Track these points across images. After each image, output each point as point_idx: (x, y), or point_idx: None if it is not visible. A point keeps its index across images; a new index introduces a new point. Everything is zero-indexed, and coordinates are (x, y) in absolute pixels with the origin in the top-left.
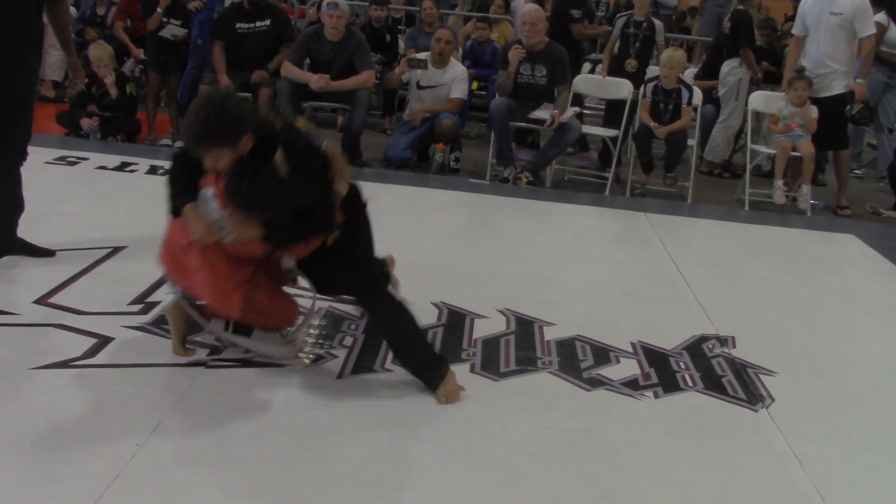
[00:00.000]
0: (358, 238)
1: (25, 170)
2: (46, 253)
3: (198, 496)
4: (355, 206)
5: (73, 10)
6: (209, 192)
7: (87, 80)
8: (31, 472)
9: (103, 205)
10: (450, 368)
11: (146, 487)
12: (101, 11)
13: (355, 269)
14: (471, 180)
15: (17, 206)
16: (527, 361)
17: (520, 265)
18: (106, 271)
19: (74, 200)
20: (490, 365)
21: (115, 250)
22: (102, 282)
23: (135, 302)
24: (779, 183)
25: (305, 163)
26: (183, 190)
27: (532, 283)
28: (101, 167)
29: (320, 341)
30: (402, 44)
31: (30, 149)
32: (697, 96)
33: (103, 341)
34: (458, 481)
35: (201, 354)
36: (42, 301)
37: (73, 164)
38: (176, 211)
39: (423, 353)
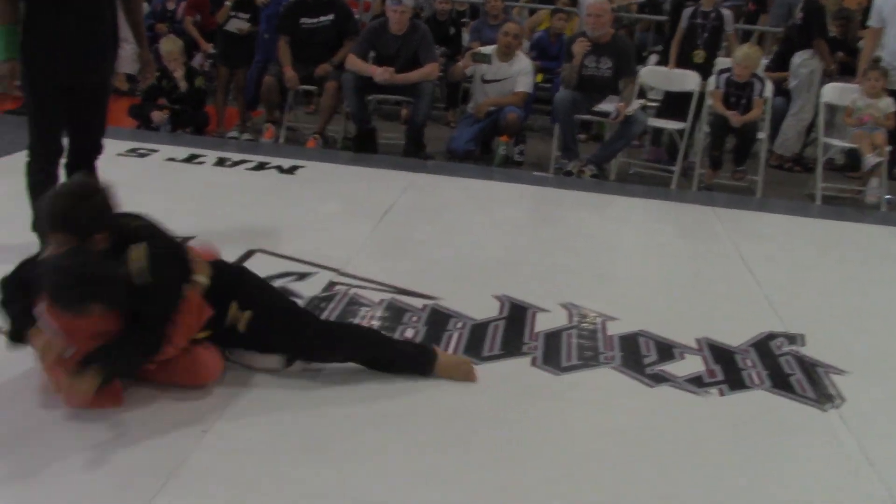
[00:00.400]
0: (268, 313)
1: (99, 162)
2: None
3: (266, 483)
4: (240, 282)
5: (144, 5)
6: (41, 308)
7: (157, 73)
8: (98, 455)
9: (172, 196)
10: (434, 351)
11: (211, 474)
12: (171, 6)
13: (290, 340)
14: (534, 173)
15: None
16: (589, 356)
17: (583, 259)
18: None
19: (145, 192)
20: (551, 359)
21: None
22: None
23: None
24: (874, 182)
25: (160, 263)
26: (19, 314)
27: (595, 278)
28: (171, 159)
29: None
30: (466, 36)
31: (103, 141)
32: (769, 88)
33: None
34: (515, 477)
35: None
36: None
37: (143, 156)
38: (18, 336)
39: (402, 353)
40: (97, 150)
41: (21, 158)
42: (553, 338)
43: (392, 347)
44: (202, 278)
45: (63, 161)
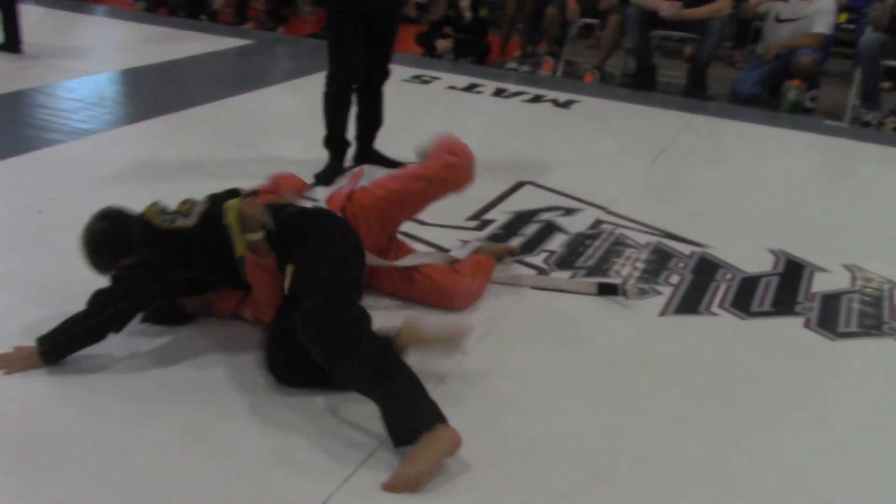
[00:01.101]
0: (304, 273)
1: (385, 86)
2: (397, 165)
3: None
4: (295, 239)
5: None
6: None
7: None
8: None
9: (449, 123)
10: (433, 422)
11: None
12: None
13: (304, 298)
14: (826, 122)
15: (377, 121)
16: (871, 325)
17: (874, 219)
18: None
19: (424, 117)
20: (827, 322)
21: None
22: None
23: (472, 218)
24: None
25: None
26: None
27: (887, 240)
28: (451, 87)
29: (645, 276)
30: None
31: (391, 67)
32: None
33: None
34: (773, 440)
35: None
36: None
37: (426, 82)
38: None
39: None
40: (385, 75)
41: (315, 80)
42: (831, 300)
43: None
44: (255, 236)
45: (354, 85)
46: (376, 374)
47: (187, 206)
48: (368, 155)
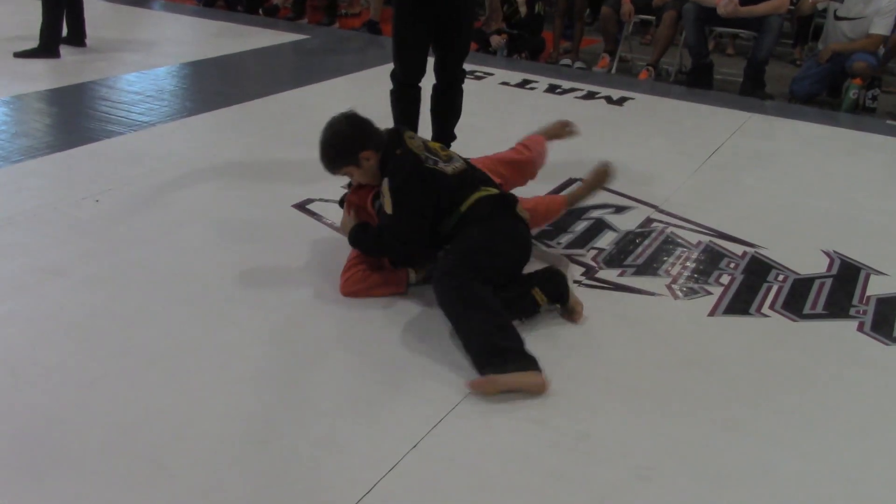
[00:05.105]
0: (465, 245)
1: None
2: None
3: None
4: (487, 222)
5: None
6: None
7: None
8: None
9: (502, 120)
10: (525, 366)
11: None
12: None
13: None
14: (888, 122)
15: (453, 114)
16: None
17: None
18: None
19: (478, 114)
20: (883, 327)
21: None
22: None
23: None
24: None
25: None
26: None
27: None
28: (505, 83)
29: (695, 276)
30: None
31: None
32: None
33: None
34: (823, 443)
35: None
36: None
37: (479, 78)
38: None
39: (483, 342)
40: (456, 77)
41: (370, 74)
42: (887, 304)
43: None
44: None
45: (434, 84)
46: (489, 350)
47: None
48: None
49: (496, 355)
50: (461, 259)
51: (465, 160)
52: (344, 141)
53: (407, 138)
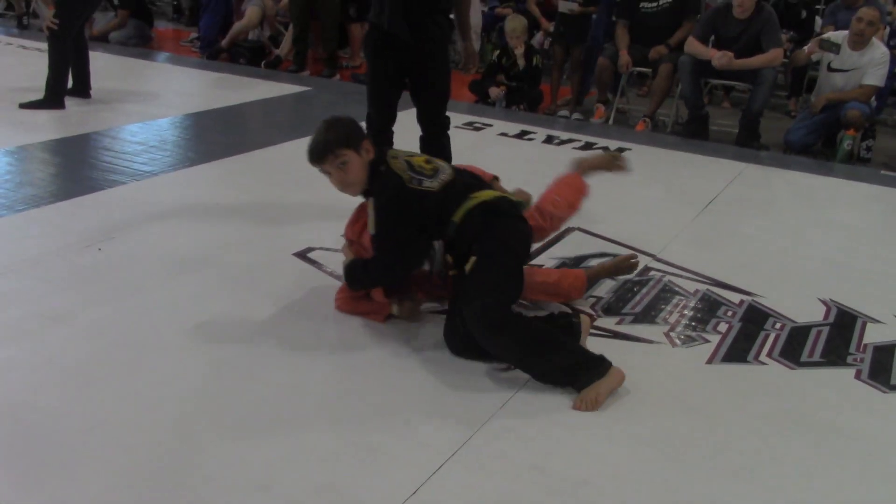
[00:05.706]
0: (485, 266)
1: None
2: None
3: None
4: (488, 232)
5: None
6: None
7: (497, 52)
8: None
9: (501, 169)
10: (604, 370)
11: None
12: None
13: (473, 296)
14: (883, 172)
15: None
16: None
17: None
18: None
19: (478, 164)
20: (880, 374)
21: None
22: None
23: None
24: None
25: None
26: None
27: None
28: (503, 134)
29: (693, 324)
30: (818, 20)
31: (447, 114)
32: None
33: None
34: (826, 492)
35: None
36: None
37: (478, 129)
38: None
39: (565, 363)
40: (436, 124)
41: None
42: (884, 352)
43: (557, 355)
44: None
45: (420, 135)
46: (560, 371)
47: (431, 166)
48: None
49: (577, 377)
50: (490, 304)
51: (453, 167)
52: (351, 124)
53: (390, 158)
